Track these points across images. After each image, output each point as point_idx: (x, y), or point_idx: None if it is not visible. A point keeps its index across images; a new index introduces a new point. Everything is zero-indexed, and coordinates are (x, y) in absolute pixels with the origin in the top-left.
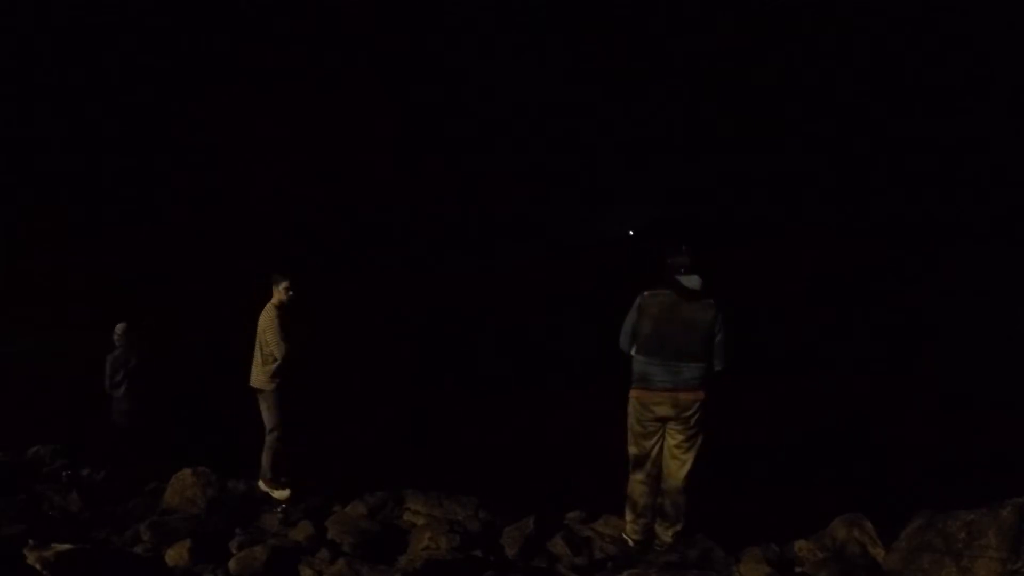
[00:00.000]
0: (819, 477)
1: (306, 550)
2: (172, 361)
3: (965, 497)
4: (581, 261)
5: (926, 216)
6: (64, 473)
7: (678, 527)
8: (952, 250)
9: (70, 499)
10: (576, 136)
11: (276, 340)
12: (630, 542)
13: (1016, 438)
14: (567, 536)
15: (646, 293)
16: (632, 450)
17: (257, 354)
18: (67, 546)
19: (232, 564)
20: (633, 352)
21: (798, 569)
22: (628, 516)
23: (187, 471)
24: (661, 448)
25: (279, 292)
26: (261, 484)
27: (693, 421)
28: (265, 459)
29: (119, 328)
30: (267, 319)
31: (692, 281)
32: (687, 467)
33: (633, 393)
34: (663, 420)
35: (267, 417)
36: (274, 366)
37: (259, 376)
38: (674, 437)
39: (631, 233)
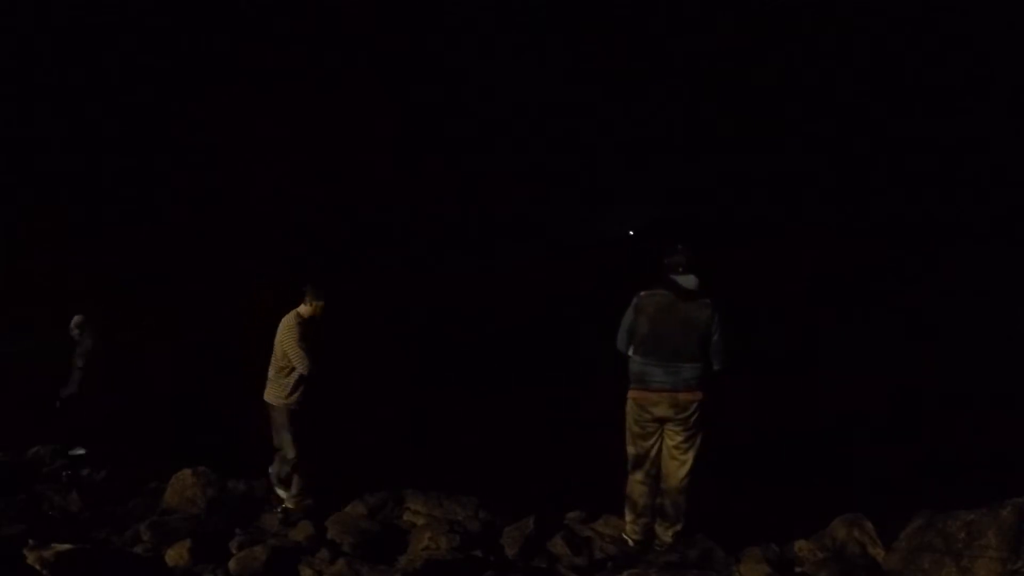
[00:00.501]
0: (819, 477)
1: (306, 550)
2: (172, 361)
3: (965, 497)
4: (581, 261)
5: (926, 216)
6: (64, 473)
7: (678, 527)
8: (952, 250)
9: (70, 499)
10: (576, 136)
11: (298, 353)
12: (630, 542)
13: (1016, 438)
14: (567, 536)
15: (643, 293)
16: (631, 450)
17: (272, 367)
18: (67, 546)
19: (232, 564)
20: (630, 352)
21: (798, 569)
22: (628, 516)
23: (187, 471)
24: (660, 448)
25: (311, 308)
26: (278, 491)
27: (692, 421)
28: (275, 471)
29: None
30: (288, 332)
31: (688, 281)
32: (687, 467)
33: (631, 394)
34: (661, 420)
35: (275, 437)
36: (289, 380)
37: (271, 391)
38: (673, 437)
39: (631, 233)
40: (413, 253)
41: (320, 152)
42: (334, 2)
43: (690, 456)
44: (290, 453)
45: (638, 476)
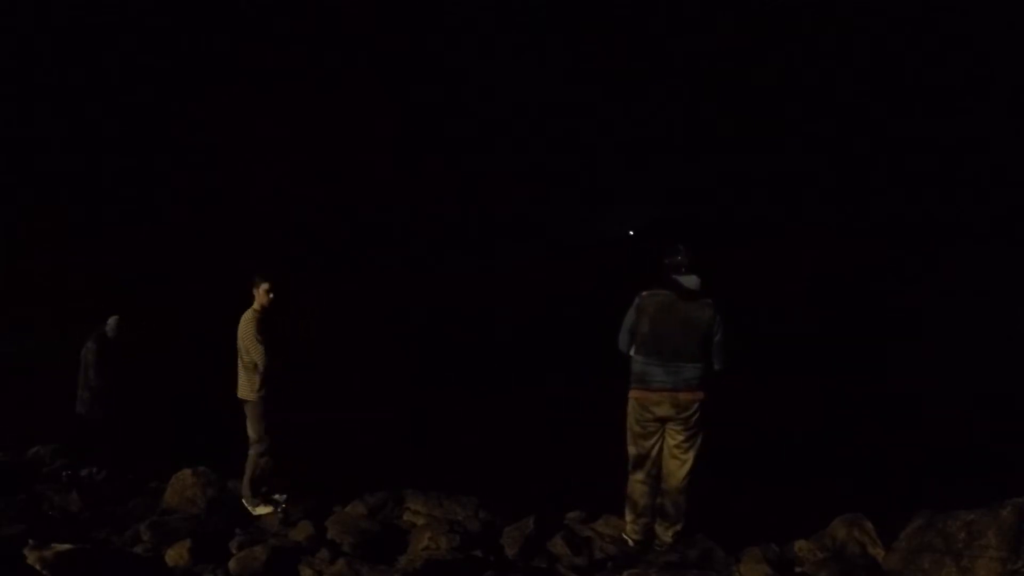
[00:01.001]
0: (819, 477)
1: (306, 550)
2: (172, 361)
3: (965, 497)
4: (581, 261)
5: (926, 216)
6: (64, 473)
7: (678, 527)
8: (952, 250)
9: (70, 499)
10: (576, 136)
11: (257, 348)
12: (630, 542)
13: (1016, 438)
14: (567, 536)
15: (644, 293)
16: (632, 450)
17: (239, 362)
18: (67, 546)
19: (232, 564)
20: (632, 352)
21: (798, 569)
22: (628, 516)
23: (187, 471)
24: (661, 448)
25: (260, 295)
26: (244, 502)
27: (693, 421)
28: (247, 475)
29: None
30: (246, 326)
31: (691, 281)
32: (687, 467)
33: (632, 394)
34: (662, 420)
35: (251, 429)
36: (257, 376)
37: (243, 386)
38: (674, 437)
39: (631, 233)
40: (413, 253)
41: (320, 152)
42: (334, 2)
43: (691, 456)
44: (263, 445)
45: (639, 476)
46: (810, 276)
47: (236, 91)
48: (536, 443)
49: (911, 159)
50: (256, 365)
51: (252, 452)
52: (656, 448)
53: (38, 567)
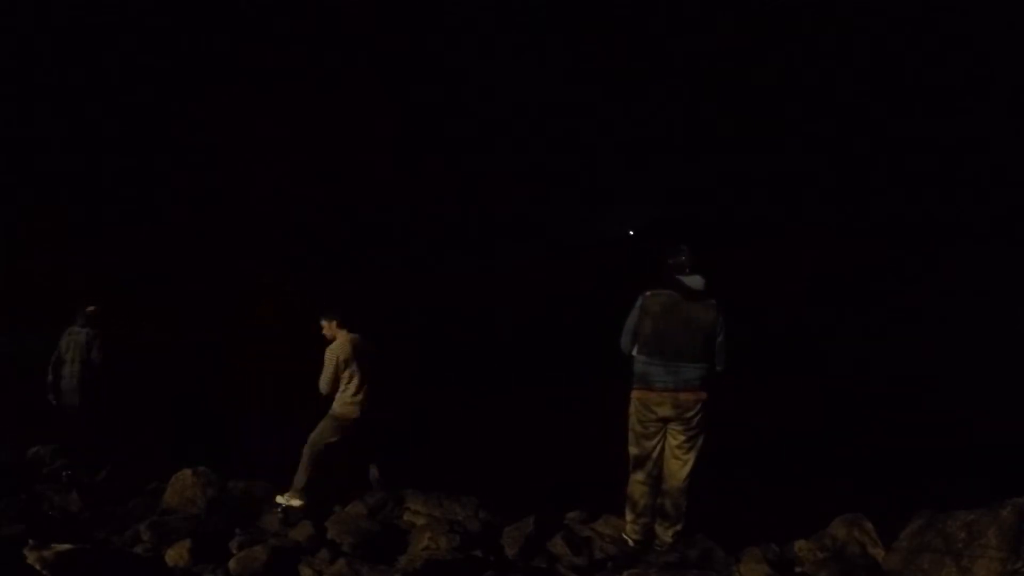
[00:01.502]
0: (819, 477)
1: (306, 550)
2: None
3: (965, 497)
4: (581, 261)
5: (926, 216)
6: (64, 473)
7: (678, 527)
8: (952, 250)
9: (70, 499)
10: (576, 136)
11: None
12: (630, 542)
13: (1016, 438)
14: (567, 536)
15: (648, 293)
16: (633, 450)
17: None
18: (67, 546)
19: (232, 564)
20: (634, 352)
21: (798, 569)
22: (628, 516)
23: (187, 471)
24: (662, 448)
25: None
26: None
27: (695, 421)
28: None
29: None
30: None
31: (695, 281)
32: (688, 467)
33: (634, 394)
34: (664, 420)
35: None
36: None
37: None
38: (675, 437)
39: (631, 233)
40: (413, 253)
41: (320, 152)
42: (334, 2)
43: (692, 456)
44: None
45: (640, 476)
46: (810, 276)
47: (236, 91)
48: (536, 443)
49: (911, 159)
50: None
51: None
52: (657, 448)
53: (38, 567)
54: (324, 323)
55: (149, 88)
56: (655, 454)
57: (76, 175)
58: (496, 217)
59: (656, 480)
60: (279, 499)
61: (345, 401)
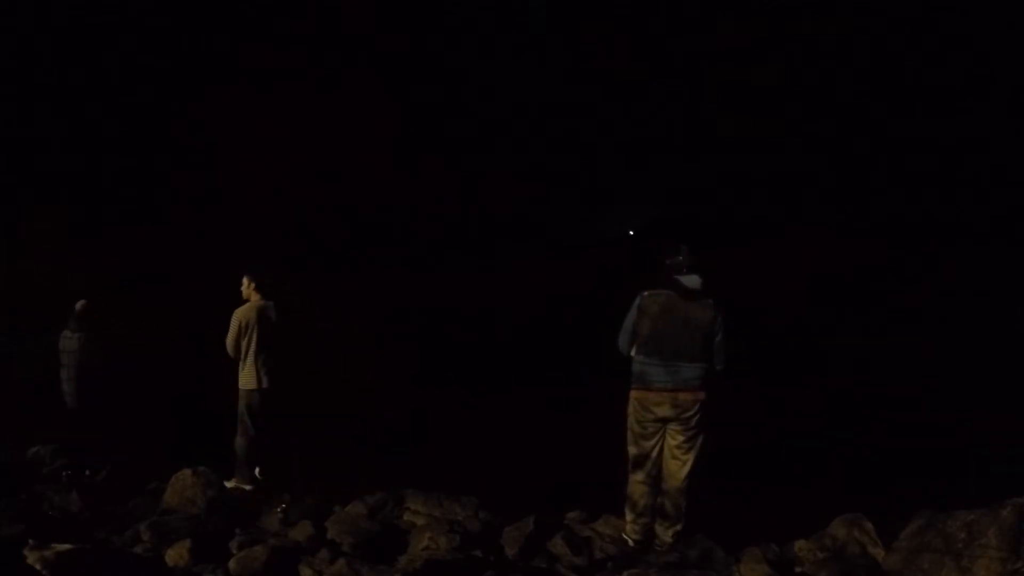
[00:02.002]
0: (819, 477)
1: (306, 550)
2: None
3: (965, 497)
4: (581, 261)
5: (926, 216)
6: (64, 473)
7: (678, 527)
8: (952, 250)
9: (70, 499)
10: (576, 136)
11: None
12: (630, 542)
13: (1016, 438)
14: (567, 536)
15: (645, 293)
16: (632, 450)
17: (268, 353)
18: (67, 546)
19: (232, 564)
20: (633, 353)
21: (798, 569)
22: (628, 516)
23: (187, 471)
24: (661, 448)
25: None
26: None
27: (693, 422)
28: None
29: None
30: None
31: (692, 281)
32: (687, 467)
33: (633, 394)
34: (663, 420)
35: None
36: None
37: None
38: (674, 437)
39: (631, 233)
40: (413, 253)
41: (320, 152)
42: (334, 2)
43: (691, 456)
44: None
45: (639, 476)
46: (810, 276)
47: (236, 91)
48: (536, 443)
49: (911, 159)
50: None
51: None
52: (656, 448)
53: (38, 567)
54: (244, 281)
55: (149, 88)
56: (654, 454)
57: (76, 175)
58: (496, 217)
59: (656, 480)
60: (227, 483)
61: (243, 371)
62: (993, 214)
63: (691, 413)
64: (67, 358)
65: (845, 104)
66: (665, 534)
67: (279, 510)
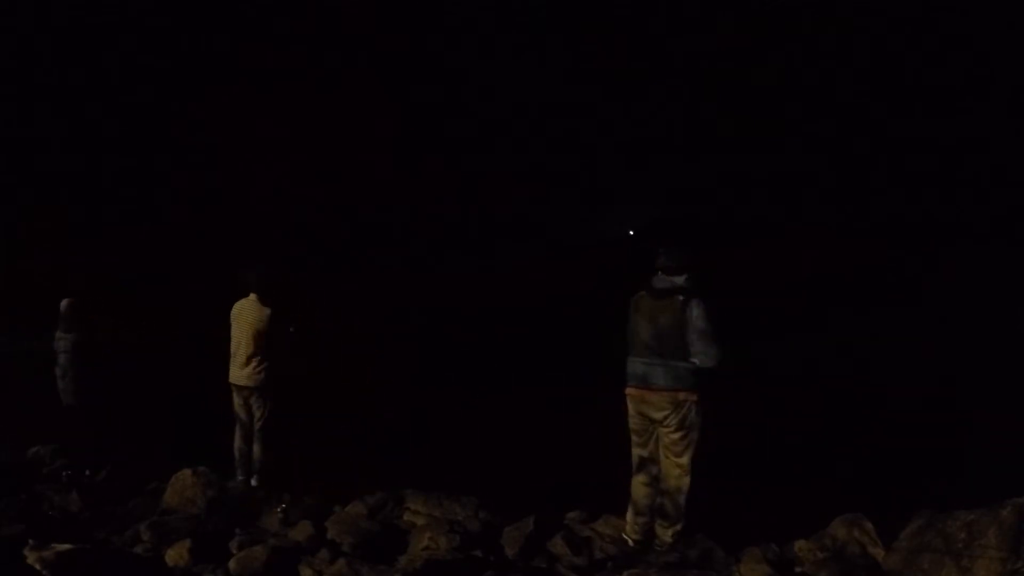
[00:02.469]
0: (819, 477)
1: (306, 550)
2: (172, 361)
3: (965, 497)
4: (581, 261)
5: (926, 216)
6: (64, 473)
7: (678, 527)
8: (952, 250)
9: (70, 499)
10: (576, 136)
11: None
12: (630, 542)
13: (1016, 438)
14: (567, 536)
15: (635, 295)
16: (632, 450)
17: (253, 349)
18: (67, 546)
19: (232, 564)
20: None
21: (798, 569)
22: (628, 516)
23: (187, 471)
24: (657, 447)
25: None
26: (255, 481)
27: (677, 421)
28: (268, 456)
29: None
30: (265, 313)
31: (661, 281)
32: (681, 467)
33: (626, 393)
34: (652, 420)
35: (266, 412)
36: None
37: (256, 373)
38: (665, 437)
39: (631, 233)
40: (413, 253)
41: (320, 152)
42: (334, 2)
43: (684, 456)
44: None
45: (639, 476)
46: (810, 276)
47: (236, 91)
48: (536, 443)
49: (911, 159)
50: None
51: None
52: (652, 448)
53: (38, 567)
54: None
55: (149, 88)
56: (649, 453)
57: (76, 175)
58: (496, 217)
59: (654, 480)
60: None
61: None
62: (993, 214)
63: (669, 412)
64: (60, 358)
65: (845, 104)
66: (665, 534)
67: (279, 510)
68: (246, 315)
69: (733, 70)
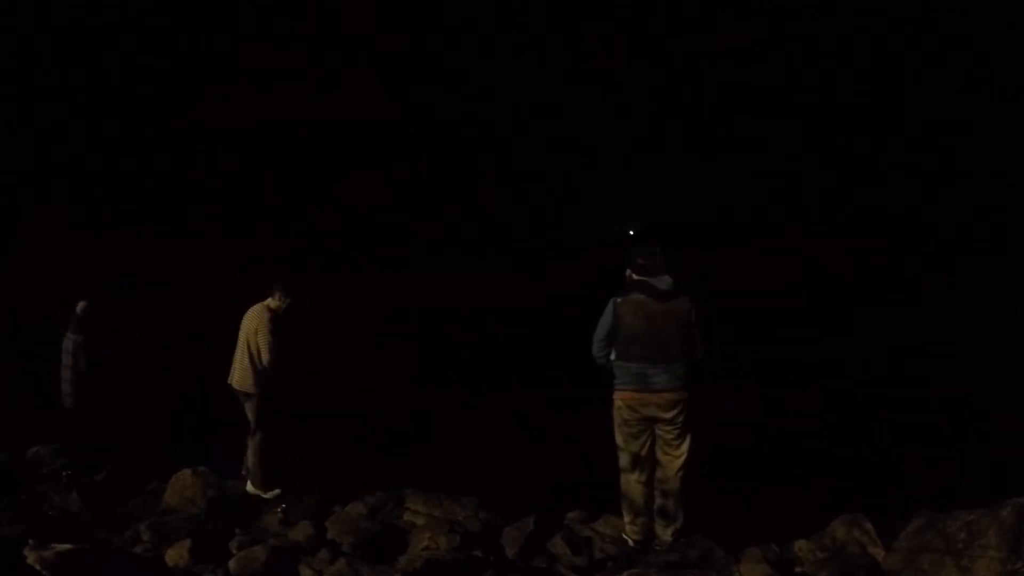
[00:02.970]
0: (819, 477)
1: (306, 550)
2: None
3: (965, 497)
4: (581, 261)
5: (926, 216)
6: (64, 473)
7: (677, 527)
8: (953, 250)
9: (70, 499)
10: (576, 136)
11: (268, 344)
12: (630, 542)
13: (1016, 438)
14: (567, 536)
15: (620, 298)
16: (623, 451)
17: (244, 355)
18: (67, 546)
19: (232, 564)
20: (613, 357)
21: (798, 569)
22: (627, 516)
23: (187, 471)
24: (652, 447)
25: (277, 301)
26: (250, 487)
27: (682, 418)
28: (254, 462)
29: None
30: (262, 321)
31: (664, 282)
32: (681, 465)
33: (617, 395)
34: (651, 420)
35: (255, 419)
36: (262, 370)
37: (246, 379)
38: (664, 436)
39: (631, 233)
40: (413, 253)
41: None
42: (334, 2)
43: (683, 454)
44: (265, 433)
45: (635, 476)
46: (810, 276)
47: (236, 91)
48: (536, 443)
49: (911, 159)
50: (262, 360)
51: (254, 440)
52: (647, 447)
53: (38, 567)
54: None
55: (149, 88)
56: (645, 453)
57: (76, 175)
58: (496, 217)
59: (649, 478)
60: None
61: None
62: (994, 215)
63: (677, 411)
64: (65, 359)
65: (845, 104)
66: (665, 534)
67: (279, 510)
68: (246, 321)
69: (733, 70)
